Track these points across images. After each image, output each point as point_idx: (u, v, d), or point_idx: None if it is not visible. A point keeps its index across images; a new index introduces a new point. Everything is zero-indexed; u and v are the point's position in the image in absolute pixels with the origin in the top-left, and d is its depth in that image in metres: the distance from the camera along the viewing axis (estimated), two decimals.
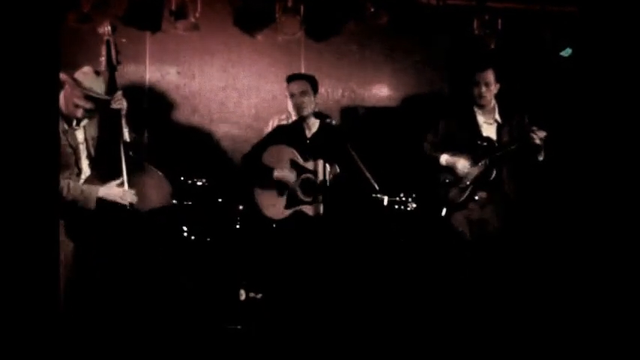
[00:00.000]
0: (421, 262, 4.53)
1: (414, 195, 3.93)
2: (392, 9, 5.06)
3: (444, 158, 4.48)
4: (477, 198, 4.40)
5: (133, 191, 3.59)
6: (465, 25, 5.14)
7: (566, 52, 4.98)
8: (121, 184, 3.59)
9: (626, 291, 4.29)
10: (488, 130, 4.50)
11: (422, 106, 5.40)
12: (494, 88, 4.46)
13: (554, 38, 5.10)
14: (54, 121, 2.37)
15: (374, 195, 3.90)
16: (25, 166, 2.08)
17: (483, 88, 4.42)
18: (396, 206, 3.91)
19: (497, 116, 4.51)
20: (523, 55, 5.19)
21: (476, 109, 4.52)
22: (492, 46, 5.12)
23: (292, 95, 4.28)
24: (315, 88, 4.33)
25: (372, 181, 3.85)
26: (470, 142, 4.43)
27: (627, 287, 4.32)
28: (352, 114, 5.37)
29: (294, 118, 4.74)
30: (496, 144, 4.40)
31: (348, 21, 5.25)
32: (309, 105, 4.26)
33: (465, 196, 4.40)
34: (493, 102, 4.51)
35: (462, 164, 4.40)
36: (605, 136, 4.89)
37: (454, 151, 4.46)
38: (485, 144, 4.39)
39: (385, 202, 3.92)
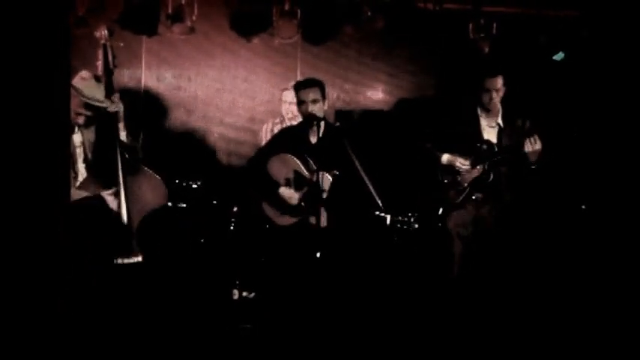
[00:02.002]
0: (417, 261, 4.56)
1: (416, 214, 3.90)
2: (389, 13, 5.07)
3: (445, 157, 4.51)
4: (473, 198, 4.43)
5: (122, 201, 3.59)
6: (461, 30, 5.17)
7: (559, 57, 4.99)
8: (114, 194, 3.61)
9: (618, 290, 4.32)
10: (490, 134, 4.51)
11: (417, 110, 5.44)
12: (501, 93, 4.47)
13: (550, 42, 5.11)
14: (64, 126, 2.37)
15: (377, 213, 3.86)
16: (35, 171, 2.09)
17: (494, 94, 4.42)
18: (399, 225, 3.88)
19: (499, 120, 4.52)
20: (524, 59, 5.19)
21: (480, 112, 4.53)
22: (487, 50, 5.14)
23: (302, 102, 4.10)
24: (324, 94, 4.16)
25: (377, 197, 3.73)
26: (470, 145, 4.45)
27: (619, 286, 4.35)
28: (347, 117, 5.39)
29: (287, 122, 4.77)
30: (495, 148, 4.42)
31: (344, 25, 5.24)
32: (319, 113, 4.08)
33: (462, 197, 4.44)
34: (498, 106, 4.52)
35: (461, 162, 4.43)
36: (602, 140, 4.91)
37: (454, 151, 4.49)
38: (485, 147, 4.42)
39: (388, 222, 3.90)
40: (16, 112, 2.06)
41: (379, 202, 3.72)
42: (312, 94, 4.08)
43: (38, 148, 2.10)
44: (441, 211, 4.44)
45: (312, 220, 4.03)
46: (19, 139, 2.07)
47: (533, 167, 4.33)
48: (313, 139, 4.22)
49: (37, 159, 2.10)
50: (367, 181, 3.73)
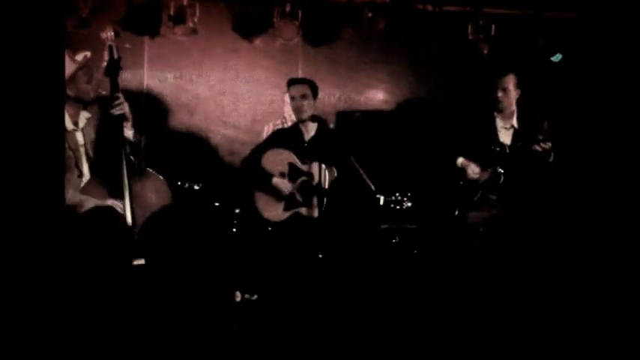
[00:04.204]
0: (419, 263, 4.58)
1: (409, 194, 3.97)
2: (389, 15, 5.13)
3: (460, 161, 4.54)
4: (487, 199, 4.46)
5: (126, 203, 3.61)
6: (460, 31, 5.21)
7: (557, 58, 5.02)
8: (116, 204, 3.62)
9: (631, 293, 4.32)
10: (505, 135, 4.53)
11: (417, 111, 5.48)
12: (515, 94, 4.49)
13: (549, 43, 5.15)
14: (59, 125, 2.38)
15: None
16: (30, 169, 2.10)
17: (500, 93, 4.44)
18: (392, 205, 3.95)
19: (514, 122, 4.53)
20: (524, 60, 5.18)
21: (496, 114, 4.55)
22: (486, 51, 5.18)
23: (292, 98, 4.30)
24: (314, 93, 4.34)
25: (369, 182, 3.89)
26: (485, 146, 4.47)
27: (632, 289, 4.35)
28: (348, 118, 5.42)
29: (290, 123, 4.81)
30: (507, 150, 4.44)
31: (345, 27, 5.31)
32: (309, 109, 4.27)
33: (475, 198, 4.46)
34: (513, 107, 4.53)
35: (472, 169, 4.46)
36: (609, 140, 4.92)
37: (469, 153, 4.52)
38: (498, 149, 4.44)
39: (381, 202, 3.97)
40: (11, 112, 2.08)
41: (372, 186, 3.83)
42: (301, 89, 4.26)
43: (33, 148, 2.11)
44: (456, 212, 4.47)
45: (305, 211, 4.17)
46: (15, 139, 2.08)
47: (549, 167, 4.36)
48: (307, 137, 4.34)
49: (32, 158, 2.11)
50: (359, 169, 3.87)
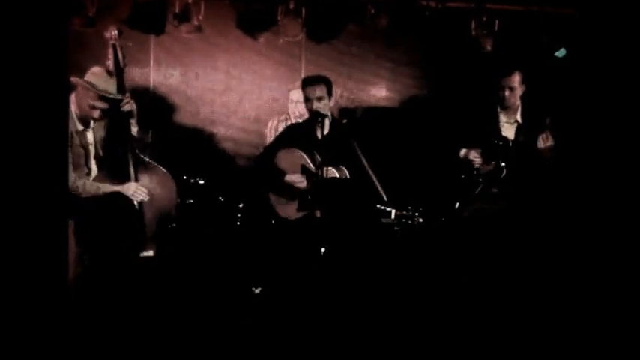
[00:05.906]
0: (424, 258, 4.61)
1: (420, 209, 3.95)
2: (392, 11, 5.14)
3: (462, 152, 4.57)
4: (490, 192, 4.49)
5: (145, 190, 3.70)
6: (463, 27, 5.23)
7: (561, 53, 5.03)
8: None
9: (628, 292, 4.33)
10: (509, 130, 4.55)
11: (420, 107, 5.50)
12: (520, 91, 4.51)
13: (552, 39, 5.16)
14: (63, 122, 2.41)
15: (382, 208, 3.92)
16: (35, 167, 2.12)
17: (507, 92, 4.46)
18: (404, 220, 3.93)
19: (518, 117, 4.55)
20: (530, 56, 5.17)
21: (499, 109, 4.58)
22: (489, 48, 5.21)
23: (307, 99, 4.15)
24: (330, 92, 4.21)
25: (381, 192, 3.80)
26: (487, 141, 4.49)
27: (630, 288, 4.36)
28: (351, 114, 5.43)
29: (293, 120, 4.82)
30: (510, 144, 4.46)
31: (348, 23, 5.34)
32: (324, 110, 4.13)
33: (477, 191, 4.50)
34: (517, 102, 4.55)
35: (473, 155, 4.48)
36: (612, 135, 4.93)
37: (472, 146, 4.55)
38: (500, 143, 4.46)
39: (393, 217, 3.95)
40: (15, 111, 2.10)
41: (384, 196, 3.78)
42: (317, 91, 4.12)
43: (37, 146, 2.12)
44: (457, 205, 4.50)
45: (317, 212, 4.10)
46: (19, 137, 2.10)
47: (547, 163, 4.38)
48: (319, 135, 4.24)
49: (37, 157, 2.12)
50: (373, 176, 3.80)
